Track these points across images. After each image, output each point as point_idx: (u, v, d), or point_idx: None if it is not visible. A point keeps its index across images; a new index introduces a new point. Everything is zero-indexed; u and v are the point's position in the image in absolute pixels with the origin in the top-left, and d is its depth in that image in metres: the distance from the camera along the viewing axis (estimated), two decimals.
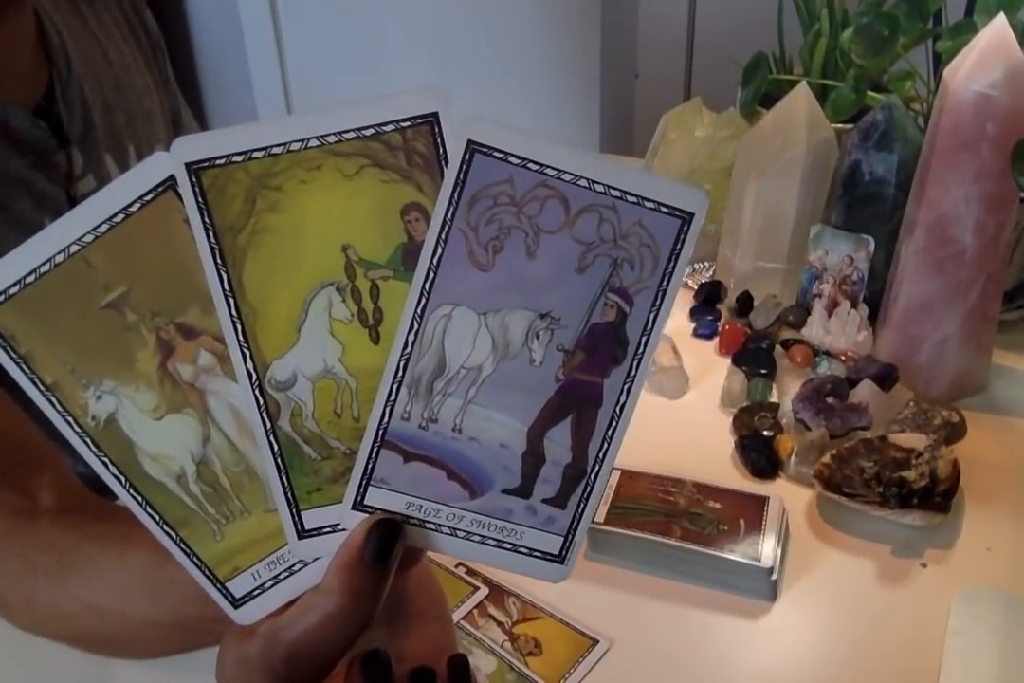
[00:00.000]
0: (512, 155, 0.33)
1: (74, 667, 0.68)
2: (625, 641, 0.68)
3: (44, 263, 0.34)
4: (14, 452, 0.61)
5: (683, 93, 2.00)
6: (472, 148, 0.33)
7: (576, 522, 0.36)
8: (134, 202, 0.34)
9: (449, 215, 0.33)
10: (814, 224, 1.00)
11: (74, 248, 0.34)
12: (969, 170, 0.83)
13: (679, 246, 0.34)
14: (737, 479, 0.84)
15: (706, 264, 1.15)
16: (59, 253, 0.34)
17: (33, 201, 0.74)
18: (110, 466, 0.35)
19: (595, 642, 0.68)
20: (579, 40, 2.13)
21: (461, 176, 0.33)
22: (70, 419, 0.35)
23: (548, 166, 0.33)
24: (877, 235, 0.95)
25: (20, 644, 0.70)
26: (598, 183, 0.33)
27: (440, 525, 0.35)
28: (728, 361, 0.95)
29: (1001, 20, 0.82)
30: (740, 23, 1.57)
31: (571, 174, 0.33)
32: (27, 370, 0.35)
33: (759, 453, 0.84)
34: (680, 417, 0.93)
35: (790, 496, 0.80)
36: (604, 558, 0.75)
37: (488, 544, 0.35)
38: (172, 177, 0.34)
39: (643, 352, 0.35)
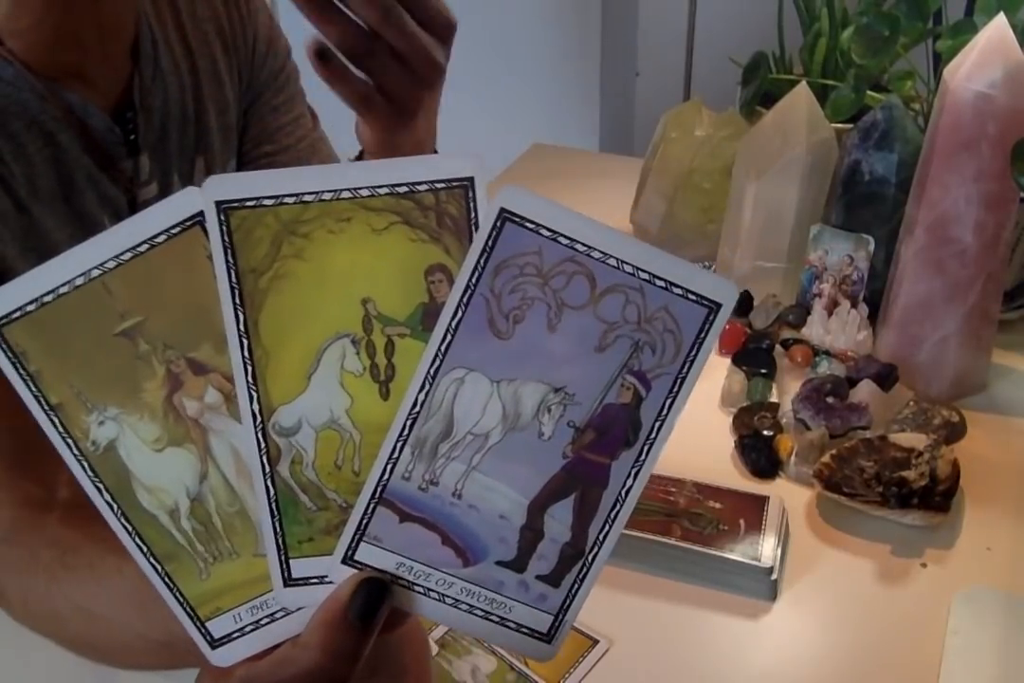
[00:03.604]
0: (544, 227, 0.33)
1: (76, 668, 0.68)
2: (625, 641, 0.68)
3: (63, 284, 0.34)
4: (37, 443, 0.61)
5: (683, 92, 1.99)
6: (504, 216, 0.33)
7: (568, 602, 0.35)
8: (160, 234, 0.34)
9: (473, 280, 0.33)
10: (814, 224, 1.00)
11: (95, 273, 0.34)
12: (969, 170, 0.83)
13: (703, 335, 0.34)
14: (737, 479, 0.84)
15: (706, 264, 1.15)
16: (80, 276, 0.34)
17: (97, 199, 0.74)
18: (104, 493, 0.35)
19: (595, 642, 0.68)
20: (579, 39, 2.13)
21: (490, 242, 0.33)
22: (70, 441, 0.35)
23: (579, 241, 0.33)
24: (877, 235, 0.95)
25: (22, 643, 0.70)
26: (628, 263, 0.33)
27: (429, 589, 0.34)
28: (728, 361, 0.95)
29: (1001, 20, 0.82)
30: (740, 23, 1.57)
31: (601, 252, 0.33)
32: (34, 388, 0.35)
33: (759, 453, 0.84)
34: (680, 417, 0.92)
35: (790, 496, 0.80)
36: None
37: (475, 614, 0.35)
38: (201, 213, 0.34)
39: (655, 438, 0.34)
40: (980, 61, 0.81)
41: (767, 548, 0.72)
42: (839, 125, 1.06)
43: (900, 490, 0.76)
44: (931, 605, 0.71)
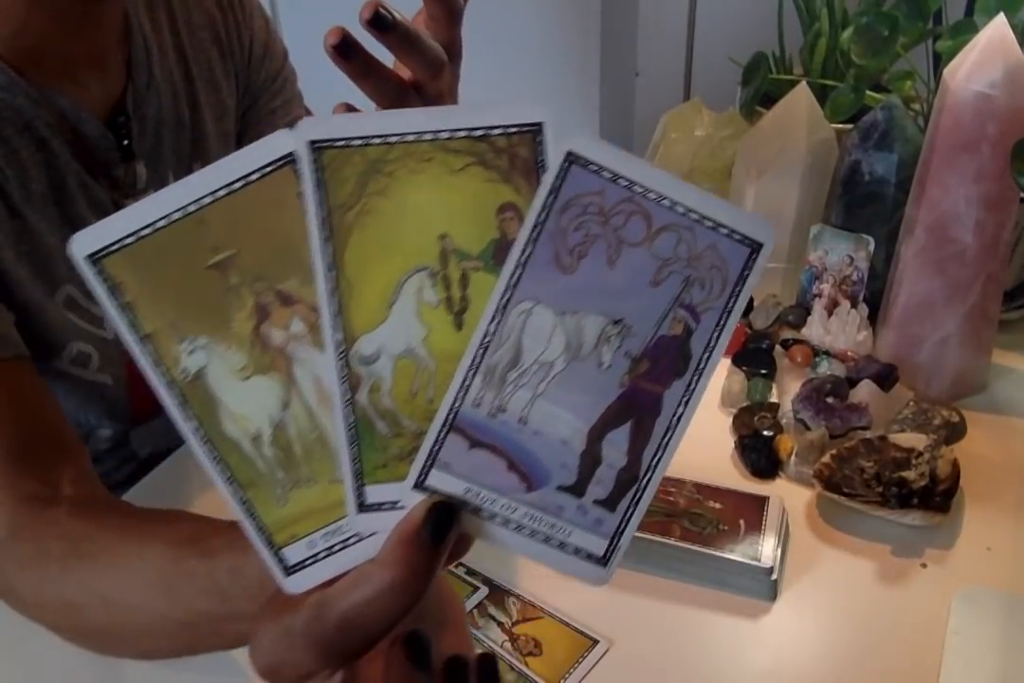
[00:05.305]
0: (606, 170, 0.35)
1: (81, 668, 0.68)
2: (625, 641, 0.68)
3: (161, 219, 0.36)
4: (41, 439, 0.62)
5: (683, 92, 1.99)
6: (570, 159, 0.35)
7: (623, 527, 0.36)
8: (253, 172, 0.35)
9: (542, 218, 0.35)
10: (814, 224, 1.00)
11: (192, 208, 0.36)
12: (969, 170, 0.83)
13: (746, 272, 0.36)
14: (737, 479, 0.84)
15: None
16: (176, 211, 0.36)
17: (88, 204, 0.74)
18: (192, 419, 0.36)
19: (595, 642, 0.68)
20: (579, 39, 2.13)
21: (557, 183, 0.35)
22: (162, 369, 0.36)
23: (637, 184, 0.35)
24: (877, 235, 0.95)
25: (27, 644, 0.70)
26: (680, 205, 0.35)
27: (494, 514, 0.36)
28: (728, 361, 0.95)
29: (1001, 20, 0.82)
30: (740, 23, 1.57)
31: (656, 193, 0.35)
32: (128, 318, 0.36)
33: (759, 453, 0.84)
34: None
35: (790, 496, 0.80)
36: None
37: (536, 539, 0.36)
38: (291, 154, 0.35)
39: (704, 368, 0.36)
40: (980, 61, 0.81)
41: (767, 548, 0.72)
42: (839, 125, 1.06)
43: (900, 490, 0.76)
44: (931, 605, 0.71)
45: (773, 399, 0.92)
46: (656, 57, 2.08)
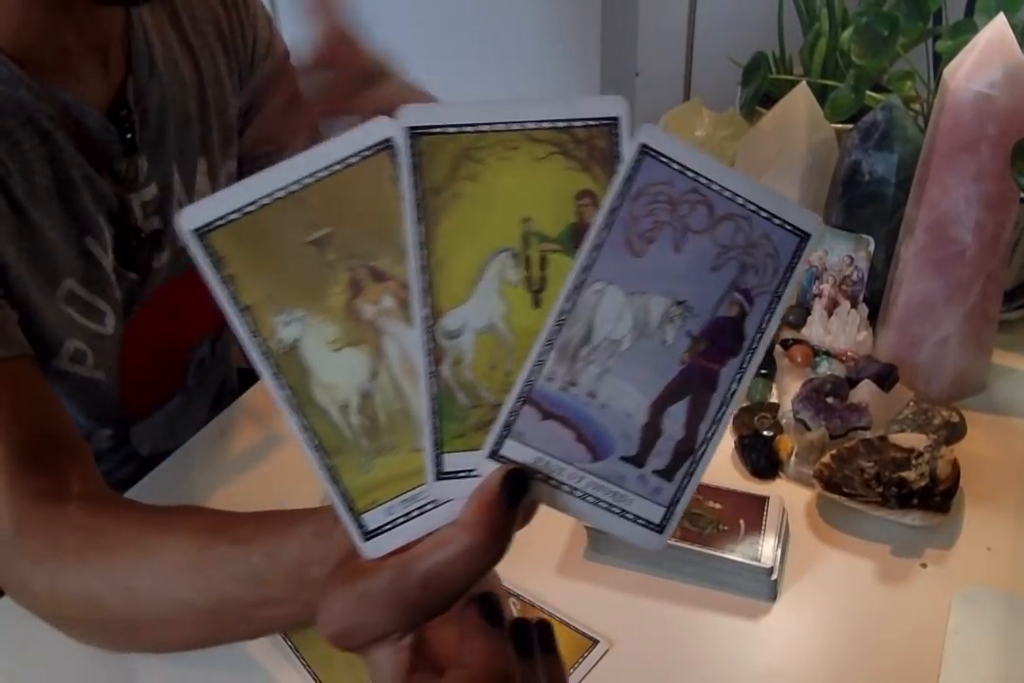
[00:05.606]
0: (675, 162, 0.38)
1: (92, 669, 0.68)
2: (625, 641, 0.68)
3: (265, 196, 0.38)
4: (47, 438, 0.62)
5: (683, 92, 1.99)
6: (644, 151, 0.38)
7: (679, 495, 0.39)
8: (352, 156, 0.38)
9: (616, 205, 0.37)
10: None
11: (294, 187, 0.38)
12: (969, 170, 0.83)
13: (796, 260, 0.39)
14: (737, 479, 0.84)
15: None
16: (280, 190, 0.38)
17: (92, 197, 0.74)
18: (285, 388, 0.38)
19: (595, 642, 0.68)
20: (579, 39, 2.13)
21: (631, 173, 0.37)
22: (258, 339, 0.38)
23: (702, 175, 0.38)
24: (877, 235, 0.95)
25: (37, 646, 0.70)
26: (739, 196, 0.38)
27: (562, 483, 0.38)
28: None
29: (1001, 20, 0.82)
30: (740, 23, 1.57)
31: (719, 185, 0.38)
32: (229, 290, 0.38)
33: (759, 453, 0.84)
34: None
35: (790, 496, 0.80)
36: (604, 558, 0.76)
37: (600, 506, 0.38)
38: (388, 140, 0.37)
39: (756, 347, 0.39)
40: (980, 61, 0.81)
41: (767, 548, 0.72)
42: (839, 125, 1.06)
43: (900, 490, 0.76)
44: (931, 605, 0.71)
45: (773, 399, 0.92)
46: (656, 57, 2.08)
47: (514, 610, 0.70)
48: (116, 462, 0.88)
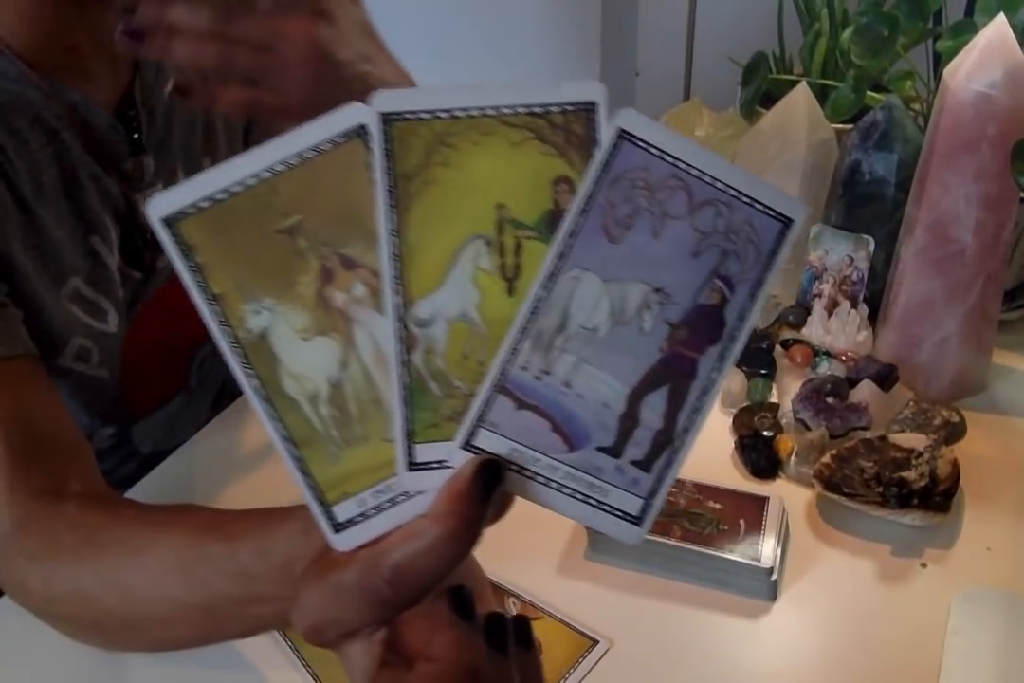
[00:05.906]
0: (654, 146, 0.37)
1: (87, 668, 0.68)
2: (625, 641, 0.68)
3: (236, 184, 0.37)
4: (49, 437, 0.62)
5: (683, 92, 1.99)
6: (622, 135, 0.37)
7: (657, 487, 0.38)
8: (325, 142, 0.37)
9: (592, 190, 0.37)
10: (814, 224, 1.00)
11: (265, 175, 0.37)
12: (969, 170, 0.83)
13: (778, 247, 0.38)
14: (737, 479, 0.84)
15: None
16: (251, 177, 0.37)
17: (99, 197, 0.74)
18: (253, 378, 0.38)
19: (595, 642, 0.68)
20: (579, 39, 2.13)
21: (609, 158, 0.37)
22: (227, 329, 0.37)
23: (681, 160, 0.37)
24: (877, 235, 0.95)
25: (33, 646, 0.70)
26: (720, 181, 0.38)
27: (537, 473, 0.37)
28: None
29: (1001, 20, 0.82)
30: (740, 23, 1.57)
31: (698, 170, 0.37)
32: (199, 279, 0.37)
33: (759, 453, 0.84)
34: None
35: (790, 496, 0.80)
36: (604, 558, 0.76)
37: (576, 498, 0.37)
38: (362, 127, 0.37)
39: (736, 335, 0.38)
40: (980, 61, 0.81)
41: (767, 548, 0.72)
42: (839, 125, 1.06)
43: (900, 490, 0.76)
44: (931, 605, 0.71)
45: (773, 399, 0.92)
46: (656, 57, 2.08)
47: (514, 611, 0.70)
48: (117, 461, 0.88)
